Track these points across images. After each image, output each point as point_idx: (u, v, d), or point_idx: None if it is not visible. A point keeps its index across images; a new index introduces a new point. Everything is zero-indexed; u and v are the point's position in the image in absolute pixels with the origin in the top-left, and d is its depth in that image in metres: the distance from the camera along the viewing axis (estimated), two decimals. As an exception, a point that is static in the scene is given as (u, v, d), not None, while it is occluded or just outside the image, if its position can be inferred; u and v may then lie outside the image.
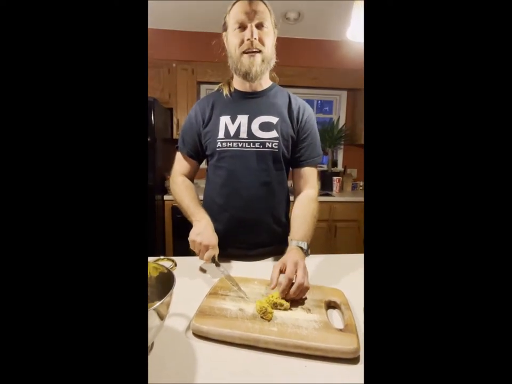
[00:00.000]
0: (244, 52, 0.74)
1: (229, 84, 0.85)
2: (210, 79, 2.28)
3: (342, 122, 2.72)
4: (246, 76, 0.77)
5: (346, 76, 2.42)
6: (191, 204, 0.79)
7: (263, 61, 0.76)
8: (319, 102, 2.81)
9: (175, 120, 2.32)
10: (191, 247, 0.70)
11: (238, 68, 0.77)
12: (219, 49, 0.83)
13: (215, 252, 0.69)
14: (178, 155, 0.89)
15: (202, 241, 0.68)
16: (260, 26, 0.73)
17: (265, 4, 0.74)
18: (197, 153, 0.87)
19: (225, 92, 0.84)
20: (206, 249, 0.68)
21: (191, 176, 0.90)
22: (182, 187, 0.84)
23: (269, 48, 0.76)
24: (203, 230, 0.71)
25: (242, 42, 0.74)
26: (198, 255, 0.70)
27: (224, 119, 0.81)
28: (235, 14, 0.74)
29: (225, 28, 0.79)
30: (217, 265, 0.67)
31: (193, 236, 0.70)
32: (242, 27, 0.73)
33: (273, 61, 0.80)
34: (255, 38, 0.73)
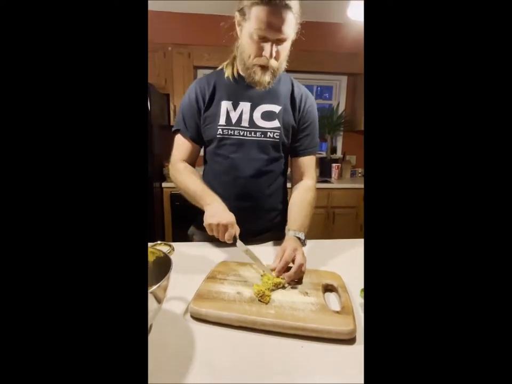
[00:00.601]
0: (259, 65, 0.71)
1: (233, 66, 0.80)
2: (207, 64, 2.22)
3: (341, 108, 2.68)
4: (255, 84, 0.75)
5: (347, 60, 2.37)
6: (197, 188, 0.75)
7: (273, 72, 0.73)
8: (319, 88, 2.76)
9: (171, 106, 2.28)
10: (209, 232, 0.66)
11: (248, 73, 0.74)
12: (227, 31, 0.75)
13: (236, 230, 0.65)
14: (179, 139, 0.82)
15: (220, 221, 0.63)
16: (280, 42, 0.68)
17: (292, 11, 0.65)
18: (200, 137, 0.82)
19: (228, 74, 0.79)
20: (226, 229, 0.64)
21: (193, 162, 0.84)
22: (185, 173, 0.79)
23: (283, 60, 0.73)
24: (217, 211, 0.67)
25: (259, 54, 0.69)
26: (218, 238, 0.65)
27: (226, 105, 0.78)
28: (258, 21, 0.64)
29: (242, 15, 0.68)
30: (239, 244, 0.64)
31: (209, 219, 0.65)
32: (264, 38, 0.67)
33: (283, 67, 0.75)
34: (273, 57, 0.69)
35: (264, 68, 0.71)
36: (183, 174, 0.79)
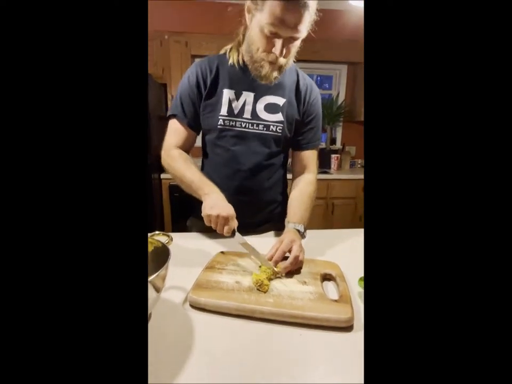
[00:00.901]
0: (267, 60, 0.68)
1: (239, 52, 0.75)
2: (205, 53, 2.17)
3: (341, 98, 2.65)
4: (261, 78, 0.72)
5: (347, 48, 2.32)
6: (194, 177, 0.71)
7: (280, 69, 0.70)
8: (319, 78, 2.72)
9: (169, 96, 2.25)
10: (206, 222, 0.64)
11: (255, 67, 0.70)
12: (234, 16, 0.71)
13: (235, 223, 0.63)
14: (175, 125, 0.78)
15: (220, 213, 0.61)
16: (292, 40, 0.64)
17: (309, 10, 0.60)
18: (197, 124, 0.78)
19: (233, 61, 0.75)
20: (226, 221, 0.61)
21: (188, 149, 0.81)
22: (181, 161, 0.75)
23: (292, 56, 0.70)
24: (217, 202, 0.64)
25: (269, 50, 0.65)
26: (216, 230, 0.63)
27: (228, 93, 0.74)
28: (272, 16, 0.59)
29: (255, 4, 0.63)
30: (237, 236, 0.63)
31: (207, 210, 0.63)
32: (275, 34, 0.63)
33: (291, 63, 0.72)
34: (282, 56, 0.65)
35: (272, 63, 0.68)
36: (178, 161, 0.75)
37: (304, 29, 0.63)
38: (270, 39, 0.64)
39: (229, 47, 0.78)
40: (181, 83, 0.78)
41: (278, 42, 0.63)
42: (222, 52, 0.78)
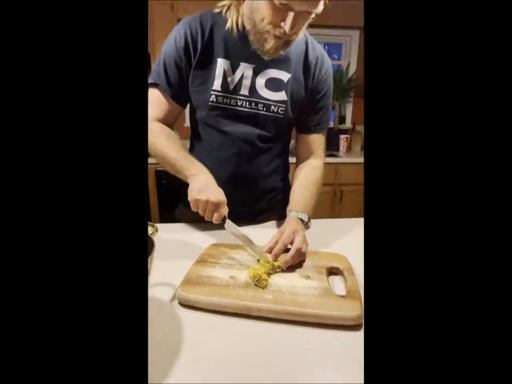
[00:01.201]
0: (273, 34, 0.63)
1: (238, 14, 0.69)
2: (194, 16, 2.11)
3: (352, 70, 2.60)
4: (263, 53, 0.67)
5: (360, 10, 2.25)
6: (179, 155, 0.68)
7: (286, 44, 0.66)
8: (326, 46, 2.65)
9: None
10: (193, 208, 0.62)
11: (257, 38, 0.65)
12: None
13: (225, 210, 0.62)
14: (155, 94, 0.72)
15: (210, 198, 0.60)
16: (306, 14, 0.60)
17: None
18: (184, 96, 0.74)
19: (232, 24, 0.69)
20: (216, 207, 0.60)
21: (171, 124, 0.76)
22: (162, 136, 0.71)
23: (302, 31, 0.66)
24: (206, 185, 0.62)
25: (277, 23, 0.60)
26: (204, 217, 0.62)
27: (223, 64, 0.70)
28: None
29: None
30: (228, 224, 0.62)
31: (195, 193, 0.61)
32: (286, 6, 0.58)
33: (299, 36, 0.67)
34: (293, 32, 0.61)
35: (279, 38, 0.63)
36: (159, 137, 0.70)
37: (320, 4, 0.59)
38: (279, 10, 0.59)
39: (226, 3, 0.71)
40: (166, 45, 0.71)
41: (289, 16, 0.59)
42: (217, 10, 0.72)
